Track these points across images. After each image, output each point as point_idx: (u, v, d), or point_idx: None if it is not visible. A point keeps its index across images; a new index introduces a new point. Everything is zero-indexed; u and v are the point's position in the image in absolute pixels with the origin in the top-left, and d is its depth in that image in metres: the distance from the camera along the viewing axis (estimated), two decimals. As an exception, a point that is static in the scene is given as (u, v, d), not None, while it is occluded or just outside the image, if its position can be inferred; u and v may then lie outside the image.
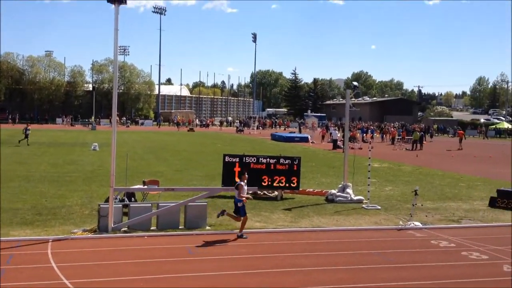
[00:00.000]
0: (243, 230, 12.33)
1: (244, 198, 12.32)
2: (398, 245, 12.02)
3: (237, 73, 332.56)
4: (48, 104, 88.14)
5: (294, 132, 62.76)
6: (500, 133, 74.24)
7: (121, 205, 13.02)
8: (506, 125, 77.35)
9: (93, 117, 76.49)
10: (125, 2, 12.18)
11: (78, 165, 25.47)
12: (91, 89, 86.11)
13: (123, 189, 14.63)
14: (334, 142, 42.30)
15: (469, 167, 29.84)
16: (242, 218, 12.29)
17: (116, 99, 13.10)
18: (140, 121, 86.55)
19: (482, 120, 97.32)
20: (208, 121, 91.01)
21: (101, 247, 11.07)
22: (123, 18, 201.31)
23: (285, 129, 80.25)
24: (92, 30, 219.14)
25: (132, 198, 14.93)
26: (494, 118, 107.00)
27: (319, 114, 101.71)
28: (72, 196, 16.86)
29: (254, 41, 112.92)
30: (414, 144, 43.73)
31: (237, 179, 17.34)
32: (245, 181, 12.78)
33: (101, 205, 12.50)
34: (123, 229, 12.45)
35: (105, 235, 11.98)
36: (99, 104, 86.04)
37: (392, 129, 60.60)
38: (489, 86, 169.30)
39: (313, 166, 27.61)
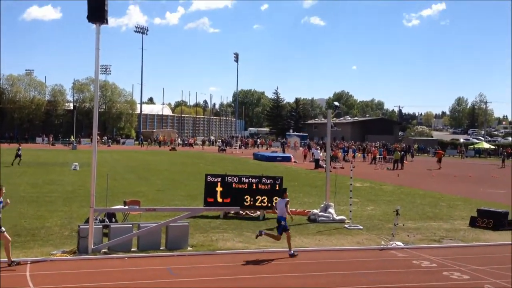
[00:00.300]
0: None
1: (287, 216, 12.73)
2: (381, 265, 12.03)
3: (219, 92, 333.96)
4: (28, 123, 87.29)
5: (277, 152, 62.88)
6: (479, 153, 75.26)
7: (101, 226, 12.85)
8: (485, 145, 78.50)
9: (73, 137, 75.82)
10: (106, 22, 12.18)
11: (58, 185, 25.14)
12: (72, 108, 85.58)
13: (104, 209, 14.46)
14: (316, 161, 42.47)
15: (450, 186, 30.14)
16: (281, 236, 12.68)
17: (97, 118, 13.03)
18: (122, 140, 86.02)
19: (461, 140, 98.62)
20: (190, 141, 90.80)
21: (81, 269, 10.88)
22: (104, 37, 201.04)
23: (267, 149, 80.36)
24: (73, 49, 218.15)
25: (113, 219, 14.74)
26: (473, 138, 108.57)
27: (301, 134, 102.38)
28: (51, 216, 16.60)
29: (236, 60, 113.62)
30: (395, 164, 44.08)
31: (219, 199, 17.33)
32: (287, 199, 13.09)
33: (80, 226, 12.32)
34: (103, 250, 12.27)
35: (85, 256, 11.79)
36: (80, 123, 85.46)
37: (374, 148, 61.08)
38: (468, 107, 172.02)
39: (296, 186, 27.62)
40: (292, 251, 12.53)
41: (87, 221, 12.82)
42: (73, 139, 74.21)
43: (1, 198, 11.07)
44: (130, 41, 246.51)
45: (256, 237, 12.88)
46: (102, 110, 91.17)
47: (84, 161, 37.47)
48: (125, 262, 11.60)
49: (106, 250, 12.31)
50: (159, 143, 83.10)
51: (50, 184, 25.71)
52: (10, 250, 10.97)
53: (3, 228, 10.89)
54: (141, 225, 12.96)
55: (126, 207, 15.43)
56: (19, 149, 36.49)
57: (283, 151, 59.23)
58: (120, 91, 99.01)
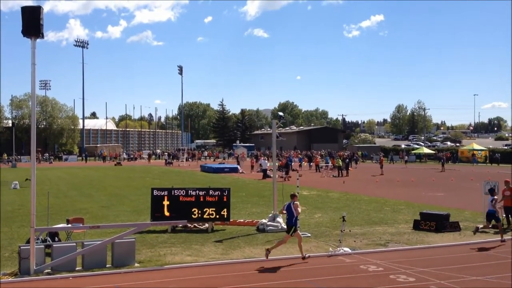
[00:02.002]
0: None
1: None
2: (329, 271, 12.15)
3: (164, 105, 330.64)
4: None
5: (224, 163, 62.78)
6: (420, 157, 77.79)
7: (43, 246, 12.39)
8: (425, 150, 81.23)
9: (5, 155, 73.18)
10: (42, 36, 11.85)
11: (-3, 205, 24.10)
12: (10, 125, 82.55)
13: (45, 228, 13.96)
14: (264, 171, 42.66)
15: (393, 191, 30.93)
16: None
17: (35, 135, 12.56)
18: (64, 157, 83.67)
19: (403, 146, 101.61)
20: (136, 155, 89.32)
21: (22, 292, 10.44)
22: (43, 52, 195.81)
23: (214, 160, 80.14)
24: (10, 64, 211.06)
25: (56, 238, 14.25)
26: (414, 143, 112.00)
27: (248, 145, 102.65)
28: (-11, 238, 15.87)
29: (180, 73, 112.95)
30: (339, 171, 44.89)
31: (166, 213, 17.08)
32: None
33: (21, 247, 11.84)
34: (46, 270, 11.83)
35: (27, 278, 11.34)
36: (19, 141, 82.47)
37: (318, 156, 61.96)
38: (408, 113, 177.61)
39: (243, 196, 27.63)
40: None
41: (28, 241, 12.36)
42: (12, 157, 71.50)
43: None
44: (71, 56, 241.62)
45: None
46: (42, 126, 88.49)
47: (25, 179, 36.14)
48: (70, 282, 11.22)
49: (49, 270, 11.87)
50: (103, 158, 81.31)
51: (-12, 204, 24.60)
52: None
53: None
54: (85, 243, 12.58)
55: (69, 225, 14.97)
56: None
57: (237, 162, 58.92)
58: (61, 107, 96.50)
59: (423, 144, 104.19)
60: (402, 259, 13.16)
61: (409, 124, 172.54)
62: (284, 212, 13.51)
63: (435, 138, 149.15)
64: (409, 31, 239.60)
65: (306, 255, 13.19)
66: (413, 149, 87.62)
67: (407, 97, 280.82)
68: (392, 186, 34.62)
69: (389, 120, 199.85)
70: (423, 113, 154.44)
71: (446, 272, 11.81)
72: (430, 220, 17.45)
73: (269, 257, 13.15)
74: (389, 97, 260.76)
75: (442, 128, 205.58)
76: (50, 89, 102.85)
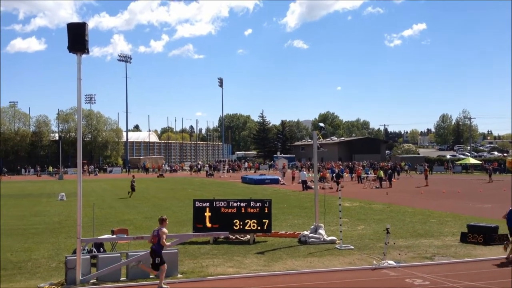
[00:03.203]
0: None
1: None
2: (373, 285, 11.92)
3: (205, 117, 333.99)
4: (14, 155, 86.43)
5: (265, 174, 62.79)
6: (466, 168, 75.80)
7: (89, 256, 12.63)
8: (471, 160, 79.11)
9: (51, 167, 75.29)
10: (87, 52, 12.15)
11: (45, 217, 24.79)
12: (57, 138, 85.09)
13: (91, 239, 14.24)
14: (304, 182, 42.40)
15: (439, 203, 30.19)
16: None
17: (81, 148, 12.88)
18: (109, 169, 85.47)
19: (448, 156, 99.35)
20: (177, 166, 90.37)
21: (69, 302, 10.63)
22: (89, 67, 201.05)
23: (255, 172, 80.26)
24: (57, 79, 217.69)
25: (101, 249, 14.52)
26: (459, 154, 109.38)
27: (288, 156, 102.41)
28: (38, 249, 16.31)
29: (221, 85, 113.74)
30: (381, 182, 44.22)
31: (208, 224, 17.16)
32: None
33: (68, 257, 12.10)
34: (91, 281, 12.04)
35: (73, 288, 11.56)
36: (66, 153, 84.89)
37: (360, 168, 61.21)
38: (453, 123, 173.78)
39: (285, 208, 27.51)
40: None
41: (74, 252, 12.61)
42: (60, 170, 73.60)
43: None
44: (115, 70, 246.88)
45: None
46: (87, 139, 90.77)
47: (71, 191, 37.09)
48: (114, 293, 11.37)
49: (94, 280, 12.08)
50: (146, 170, 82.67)
51: (36, 215, 25.34)
52: None
53: None
54: (129, 254, 12.76)
55: (114, 236, 15.21)
56: (133, 181, 37.17)
57: (283, 174, 58.79)
58: (106, 120, 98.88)
59: (469, 154, 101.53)
60: (449, 273, 12.79)
61: (454, 134, 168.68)
62: None
63: (481, 148, 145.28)
64: (452, 39, 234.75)
65: None
66: (459, 159, 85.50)
67: (452, 106, 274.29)
68: (437, 198, 33.81)
69: (433, 130, 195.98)
70: (468, 122, 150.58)
71: (494, 286, 11.40)
72: (478, 232, 16.92)
73: (309, 269, 13.01)
74: (433, 107, 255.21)
75: (489, 137, 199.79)
76: (95, 103, 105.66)
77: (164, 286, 11.46)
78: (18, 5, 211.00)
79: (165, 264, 11.65)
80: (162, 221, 12.08)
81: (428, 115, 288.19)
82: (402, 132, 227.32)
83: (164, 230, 11.83)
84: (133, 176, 41.04)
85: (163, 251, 11.73)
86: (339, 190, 18.03)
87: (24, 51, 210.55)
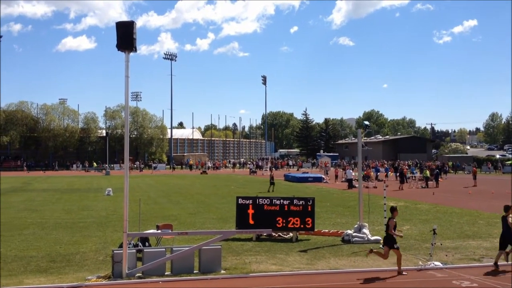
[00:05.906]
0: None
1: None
2: (419, 286, 11.68)
3: (248, 115, 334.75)
4: (63, 150, 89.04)
5: (308, 172, 62.49)
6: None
7: (135, 251, 12.87)
8: (522, 160, 76.52)
9: (95, 163, 77.18)
10: (135, 50, 12.33)
11: (92, 211, 25.44)
12: (104, 135, 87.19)
13: (137, 234, 14.50)
14: (349, 181, 41.93)
15: (487, 203, 29.31)
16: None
17: (128, 144, 13.12)
18: (153, 165, 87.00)
19: (497, 156, 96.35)
20: (218, 164, 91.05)
21: (115, 294, 10.87)
22: (136, 65, 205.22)
23: (298, 170, 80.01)
24: (106, 77, 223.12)
25: (146, 243, 14.78)
26: (509, 153, 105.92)
27: (331, 154, 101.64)
28: (86, 242, 16.74)
29: (264, 83, 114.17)
30: (427, 182, 43.31)
31: (251, 221, 17.19)
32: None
33: (115, 251, 12.36)
34: (137, 274, 12.26)
35: (119, 281, 11.79)
36: (112, 150, 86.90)
37: (405, 167, 60.06)
38: (503, 122, 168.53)
39: (328, 206, 27.30)
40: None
41: (121, 246, 12.87)
42: (106, 165, 75.45)
43: None
44: (161, 68, 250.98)
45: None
46: (133, 136, 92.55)
47: (117, 187, 37.92)
48: (159, 286, 11.55)
49: (140, 274, 12.30)
50: (190, 166, 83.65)
51: (84, 210, 26.03)
52: None
53: None
54: (174, 249, 12.93)
55: (159, 231, 15.45)
56: (272, 177, 39.05)
57: (326, 173, 58.39)
58: (151, 117, 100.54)
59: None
60: (498, 275, 12.40)
61: (504, 133, 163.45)
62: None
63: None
64: (505, 36, 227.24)
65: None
66: (509, 159, 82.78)
67: (502, 104, 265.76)
68: (486, 198, 32.83)
69: (482, 129, 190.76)
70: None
71: (548, 292, 10.98)
72: (529, 235, 16.32)
73: (355, 269, 12.86)
74: (482, 105, 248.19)
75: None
76: (141, 100, 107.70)
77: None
78: (69, 5, 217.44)
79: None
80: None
81: (477, 114, 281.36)
82: (450, 131, 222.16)
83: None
84: (272, 171, 45.34)
85: None
86: (384, 183, 17.74)
87: (75, 50, 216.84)
